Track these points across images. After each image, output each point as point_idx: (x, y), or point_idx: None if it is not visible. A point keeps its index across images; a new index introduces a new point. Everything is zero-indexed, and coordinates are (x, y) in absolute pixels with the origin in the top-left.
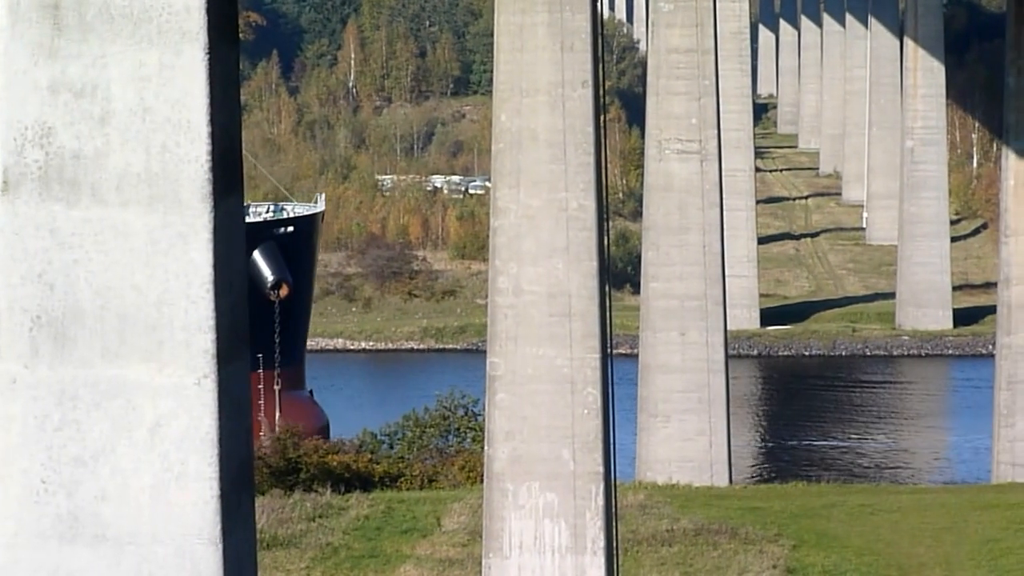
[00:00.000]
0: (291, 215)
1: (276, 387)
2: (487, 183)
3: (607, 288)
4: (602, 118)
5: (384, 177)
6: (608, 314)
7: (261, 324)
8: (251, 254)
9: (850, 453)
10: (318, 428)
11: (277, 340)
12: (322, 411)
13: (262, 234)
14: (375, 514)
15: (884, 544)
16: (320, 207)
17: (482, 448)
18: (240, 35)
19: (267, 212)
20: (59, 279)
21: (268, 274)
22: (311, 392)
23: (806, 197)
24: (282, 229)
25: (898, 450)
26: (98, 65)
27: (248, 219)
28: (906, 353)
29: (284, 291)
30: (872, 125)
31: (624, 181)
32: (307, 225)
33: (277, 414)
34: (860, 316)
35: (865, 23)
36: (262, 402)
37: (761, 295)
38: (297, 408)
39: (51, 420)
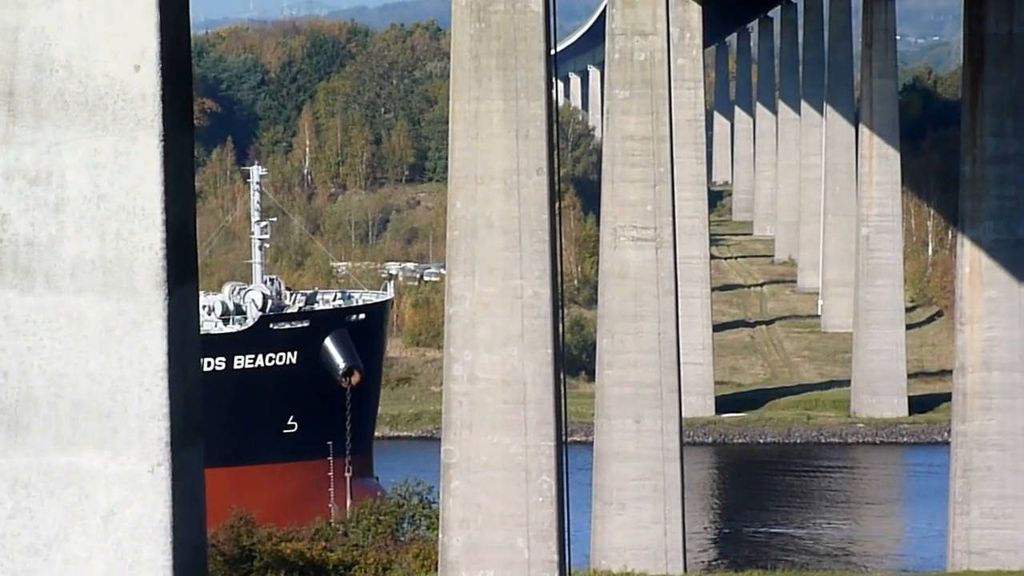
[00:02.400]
0: (360, 302)
1: (347, 474)
2: (442, 270)
3: (562, 375)
4: (557, 205)
5: (339, 264)
6: (563, 401)
7: (332, 411)
8: (323, 341)
9: (806, 540)
10: None
11: (348, 427)
12: None
13: (334, 321)
14: None
15: None
16: (389, 294)
17: (437, 536)
18: (195, 122)
19: (335, 299)
20: (12, 366)
21: (340, 361)
22: (377, 478)
23: (761, 284)
24: (353, 317)
25: (854, 537)
26: (53, 152)
27: (318, 306)
28: (861, 440)
29: (356, 378)
30: (827, 212)
31: (579, 268)
32: (377, 312)
33: (348, 501)
34: (815, 403)
35: (820, 110)
36: (332, 489)
37: (716, 382)
38: (367, 495)
39: (4, 508)
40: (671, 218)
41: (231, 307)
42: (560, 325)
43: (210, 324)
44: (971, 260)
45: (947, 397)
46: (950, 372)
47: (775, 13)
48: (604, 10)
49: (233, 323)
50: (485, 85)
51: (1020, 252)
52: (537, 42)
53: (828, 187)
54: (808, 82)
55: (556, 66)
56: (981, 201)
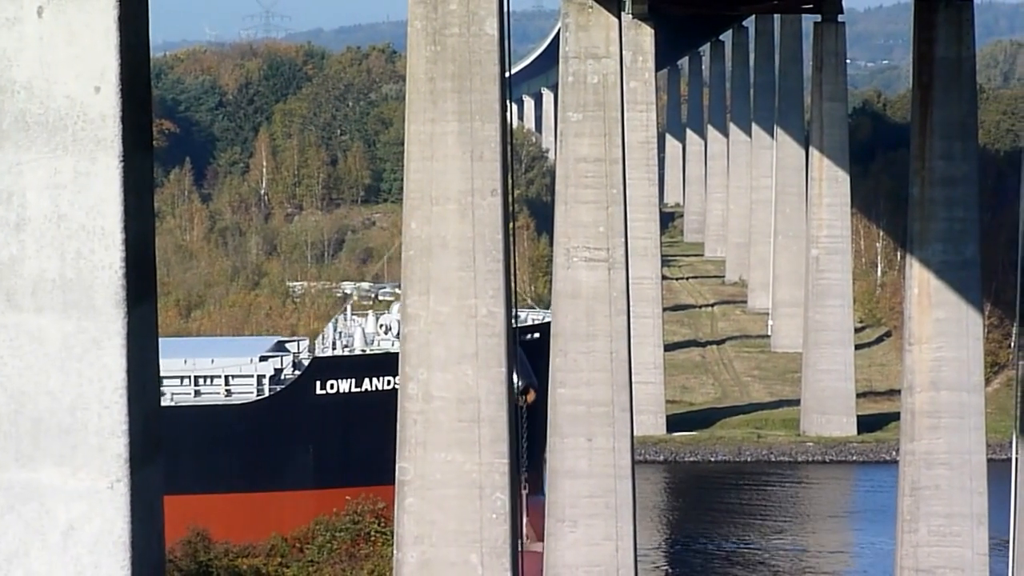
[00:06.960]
0: (531, 321)
1: (524, 491)
2: (397, 290)
3: (515, 394)
4: (511, 226)
5: (295, 284)
6: (517, 420)
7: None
8: None
9: (756, 557)
10: None
11: (524, 445)
12: None
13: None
14: None
15: None
16: None
17: (392, 552)
18: (154, 143)
19: None
20: None
21: (516, 379)
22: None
23: (712, 305)
24: (529, 336)
25: (803, 554)
26: (14, 172)
27: None
28: (810, 459)
29: (531, 396)
30: (777, 234)
31: (533, 288)
32: (547, 331)
33: (524, 518)
34: (765, 422)
35: (771, 133)
36: None
37: (667, 401)
38: (541, 512)
39: None
40: (623, 239)
41: None
42: (514, 344)
43: (387, 343)
44: (920, 281)
45: (896, 416)
46: (898, 392)
47: (726, 37)
48: (558, 33)
49: None
50: (440, 107)
51: (968, 274)
52: (492, 65)
53: (778, 209)
54: (759, 105)
55: (510, 89)
56: (930, 223)
